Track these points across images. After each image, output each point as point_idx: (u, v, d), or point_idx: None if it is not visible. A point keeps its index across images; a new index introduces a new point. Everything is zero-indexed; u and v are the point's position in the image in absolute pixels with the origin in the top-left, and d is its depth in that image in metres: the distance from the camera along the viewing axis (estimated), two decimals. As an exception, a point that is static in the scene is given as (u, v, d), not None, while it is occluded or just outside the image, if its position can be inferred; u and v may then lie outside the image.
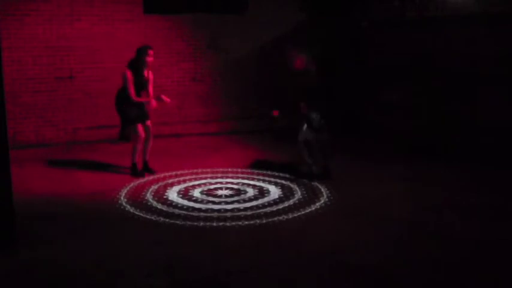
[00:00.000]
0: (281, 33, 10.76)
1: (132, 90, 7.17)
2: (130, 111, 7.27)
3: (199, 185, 7.01)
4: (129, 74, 7.16)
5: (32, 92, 9.33)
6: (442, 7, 9.02)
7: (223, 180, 7.23)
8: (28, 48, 9.20)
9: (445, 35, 8.97)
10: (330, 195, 6.53)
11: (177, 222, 5.69)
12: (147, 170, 7.50)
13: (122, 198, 6.46)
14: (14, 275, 4.47)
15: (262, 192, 6.69)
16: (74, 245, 5.05)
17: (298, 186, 6.91)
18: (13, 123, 8.86)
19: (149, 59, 7.21)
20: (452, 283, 4.37)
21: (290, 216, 5.88)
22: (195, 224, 5.65)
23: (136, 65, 7.20)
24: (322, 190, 6.71)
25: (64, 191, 6.75)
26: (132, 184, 7.00)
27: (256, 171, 7.65)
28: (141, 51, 7.19)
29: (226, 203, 6.30)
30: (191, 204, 6.26)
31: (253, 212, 5.99)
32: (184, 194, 6.64)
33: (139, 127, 7.30)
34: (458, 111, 8.73)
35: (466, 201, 6.32)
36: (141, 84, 7.29)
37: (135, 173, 7.36)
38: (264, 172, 7.58)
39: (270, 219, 5.76)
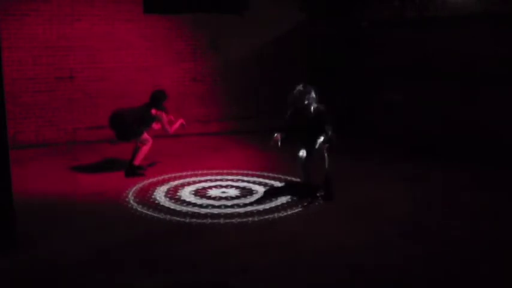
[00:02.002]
0: (281, 33, 10.77)
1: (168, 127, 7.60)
2: (136, 128, 7.39)
3: (198, 186, 7.01)
4: (164, 115, 7.54)
5: (32, 92, 9.33)
6: (442, 7, 9.02)
7: (223, 181, 7.23)
8: (28, 48, 9.20)
9: (445, 35, 8.97)
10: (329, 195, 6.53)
11: (177, 222, 5.70)
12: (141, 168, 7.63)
13: (122, 198, 6.46)
14: (14, 275, 4.48)
15: (262, 193, 6.68)
16: (74, 245, 5.05)
17: (298, 186, 6.90)
18: (13, 123, 8.86)
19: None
20: (452, 283, 4.37)
21: (290, 216, 5.88)
22: (195, 224, 5.65)
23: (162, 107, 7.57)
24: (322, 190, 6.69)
25: (64, 191, 6.74)
26: (132, 184, 7.00)
27: (256, 171, 7.65)
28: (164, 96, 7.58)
29: (226, 203, 6.30)
30: (190, 205, 6.26)
31: (253, 212, 5.99)
32: (186, 194, 6.65)
33: (146, 134, 7.47)
34: (458, 111, 8.74)
35: (466, 201, 6.32)
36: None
37: (135, 173, 7.36)
38: (264, 173, 7.59)
39: (270, 219, 5.76)
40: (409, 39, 9.55)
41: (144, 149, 7.44)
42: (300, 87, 6.51)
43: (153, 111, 7.46)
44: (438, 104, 9.06)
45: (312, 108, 6.49)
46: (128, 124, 7.35)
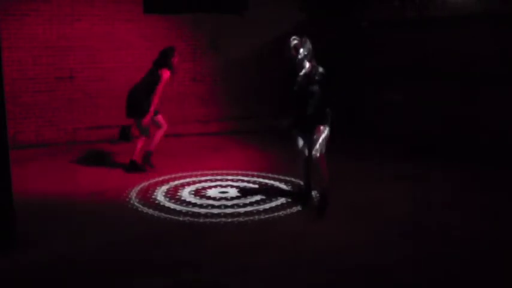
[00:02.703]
0: (281, 33, 10.71)
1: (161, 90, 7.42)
2: (148, 94, 7.43)
3: (198, 186, 7.01)
4: (166, 75, 7.41)
5: (32, 92, 9.33)
6: (442, 7, 9.02)
7: (223, 181, 7.23)
8: (28, 48, 9.19)
9: (445, 35, 8.97)
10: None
11: (178, 222, 5.70)
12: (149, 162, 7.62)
13: (122, 198, 6.46)
14: (14, 275, 4.48)
15: (262, 193, 6.68)
16: (74, 245, 5.05)
17: (298, 186, 6.90)
18: (13, 123, 8.85)
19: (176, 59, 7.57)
20: (452, 283, 4.37)
21: (290, 216, 5.88)
22: (195, 224, 5.65)
23: (169, 64, 7.47)
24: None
25: (64, 191, 6.74)
26: (133, 184, 6.99)
27: (256, 171, 7.65)
28: (172, 51, 7.48)
29: (226, 203, 6.30)
30: (191, 205, 6.26)
31: (252, 212, 5.99)
32: (185, 195, 6.65)
33: (149, 117, 7.41)
34: (458, 111, 8.74)
35: (466, 201, 6.32)
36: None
37: (137, 168, 7.43)
38: (264, 173, 7.59)
39: (270, 219, 5.76)
40: (409, 39, 9.55)
41: (141, 141, 7.48)
42: (293, 38, 5.75)
43: (159, 71, 7.43)
44: (438, 104, 9.06)
45: (310, 66, 5.69)
46: (143, 91, 7.37)
